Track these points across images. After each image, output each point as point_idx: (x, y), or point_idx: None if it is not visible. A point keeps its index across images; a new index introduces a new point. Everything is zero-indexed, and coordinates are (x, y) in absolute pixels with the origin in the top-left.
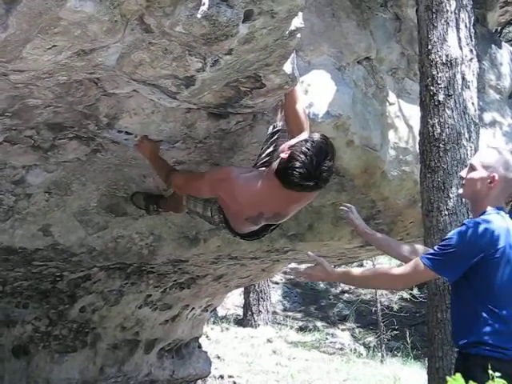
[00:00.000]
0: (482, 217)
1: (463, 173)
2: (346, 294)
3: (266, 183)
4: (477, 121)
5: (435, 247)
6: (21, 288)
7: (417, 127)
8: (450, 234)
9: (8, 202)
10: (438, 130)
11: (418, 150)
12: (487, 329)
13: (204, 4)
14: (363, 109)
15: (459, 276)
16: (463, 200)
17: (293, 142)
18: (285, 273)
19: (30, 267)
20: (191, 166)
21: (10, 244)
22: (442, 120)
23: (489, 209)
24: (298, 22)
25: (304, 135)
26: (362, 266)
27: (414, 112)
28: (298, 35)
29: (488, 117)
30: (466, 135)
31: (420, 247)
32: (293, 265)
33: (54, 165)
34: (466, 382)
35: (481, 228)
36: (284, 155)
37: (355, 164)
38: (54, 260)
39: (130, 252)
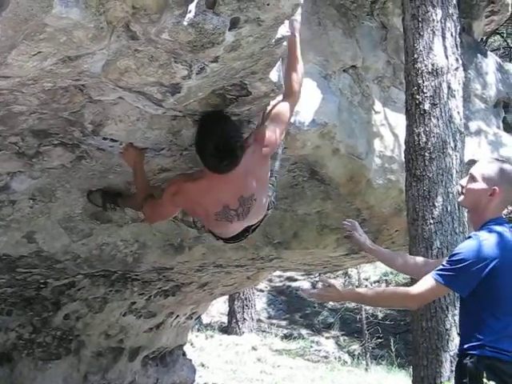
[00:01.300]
0: (486, 229)
1: (463, 181)
2: (331, 302)
3: (209, 176)
4: (462, 130)
5: (444, 262)
6: (4, 295)
7: (402, 136)
8: (458, 249)
9: None
10: (424, 139)
11: (403, 159)
12: (491, 333)
13: (190, 11)
14: (349, 117)
15: (472, 290)
16: (448, 209)
17: None
18: (270, 280)
19: (14, 274)
20: (176, 173)
21: None
22: (427, 129)
23: (490, 220)
24: (284, 30)
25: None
26: (346, 274)
27: (399, 120)
28: (285, 43)
29: (473, 126)
30: (452, 144)
31: (425, 261)
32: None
33: (38, 171)
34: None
35: (488, 241)
36: None
37: (341, 172)
38: (39, 267)
39: (115, 259)
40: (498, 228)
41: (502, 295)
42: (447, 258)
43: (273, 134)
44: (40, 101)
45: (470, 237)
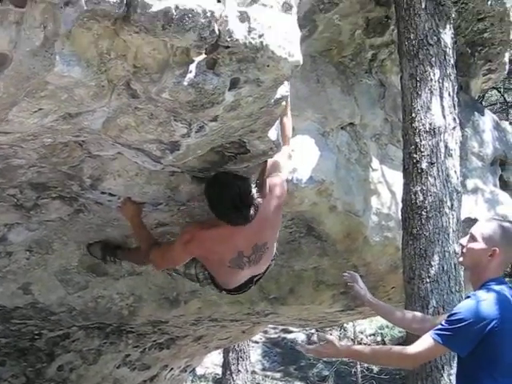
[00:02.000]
0: (485, 289)
1: (463, 241)
2: None
3: (224, 225)
4: (459, 189)
5: (443, 322)
6: None
7: (400, 193)
8: (457, 309)
9: None
10: (421, 198)
11: (400, 216)
12: None
13: (191, 72)
14: (346, 174)
15: (471, 350)
16: (444, 268)
17: None
18: (265, 332)
19: (9, 325)
20: (174, 228)
21: None
22: (424, 188)
23: (490, 280)
24: (283, 89)
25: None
26: (342, 327)
27: (397, 178)
28: (283, 103)
29: (470, 184)
30: (449, 203)
31: (423, 316)
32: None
33: (36, 224)
34: None
35: (488, 301)
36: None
37: (337, 229)
38: (34, 318)
39: (110, 312)
40: (498, 288)
41: (501, 356)
42: (446, 318)
43: (283, 183)
44: (39, 155)
45: (468, 296)
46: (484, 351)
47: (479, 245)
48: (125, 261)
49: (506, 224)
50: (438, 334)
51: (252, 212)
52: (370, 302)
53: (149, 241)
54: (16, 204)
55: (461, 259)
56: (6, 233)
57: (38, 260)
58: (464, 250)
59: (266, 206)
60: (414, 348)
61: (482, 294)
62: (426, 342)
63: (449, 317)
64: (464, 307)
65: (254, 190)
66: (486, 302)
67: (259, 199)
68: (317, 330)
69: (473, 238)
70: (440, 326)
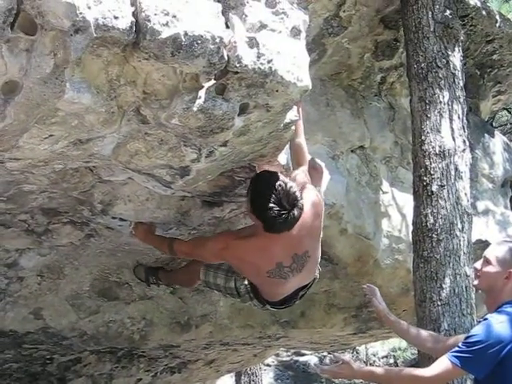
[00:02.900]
0: (502, 311)
1: (478, 264)
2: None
3: (261, 235)
4: (470, 211)
5: (460, 344)
6: (10, 370)
7: (410, 215)
8: (475, 331)
9: (0, 285)
10: (431, 221)
11: (411, 239)
12: None
13: (200, 97)
14: (357, 197)
15: (488, 373)
16: (456, 290)
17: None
18: (277, 355)
19: (20, 350)
20: None
21: (0, 327)
22: (435, 210)
23: (506, 303)
24: (292, 114)
25: (302, 169)
26: (354, 350)
27: (407, 200)
28: (293, 127)
29: (481, 205)
30: (459, 226)
31: (436, 336)
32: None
33: (47, 249)
34: None
35: (505, 323)
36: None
37: (348, 252)
38: (45, 343)
39: (121, 336)
40: None
41: None
42: (463, 340)
43: (316, 191)
44: (50, 180)
45: (486, 319)
46: (501, 374)
47: (494, 268)
48: (170, 283)
49: None
50: (455, 357)
51: (297, 213)
52: (387, 318)
53: (166, 240)
54: (27, 229)
55: (476, 283)
56: (18, 258)
57: (49, 285)
58: (479, 274)
59: (304, 214)
60: (431, 370)
61: (498, 316)
62: (443, 363)
63: (466, 339)
64: (482, 329)
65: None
66: (503, 324)
67: (302, 201)
68: (329, 353)
69: (487, 262)
70: (457, 348)
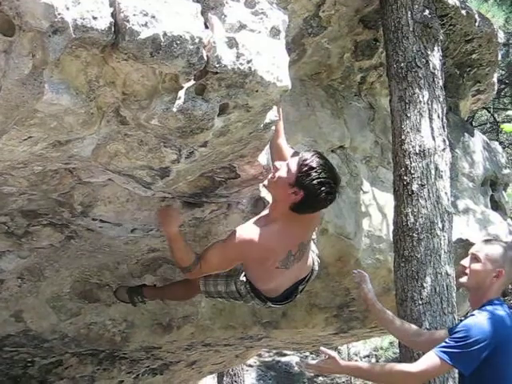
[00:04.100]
0: (488, 308)
1: (465, 262)
2: (321, 378)
3: (281, 220)
4: (450, 210)
5: (448, 340)
6: None
7: (391, 215)
8: (462, 326)
9: None
10: (412, 220)
11: (391, 239)
12: None
13: (180, 98)
14: (337, 197)
15: (474, 369)
16: (437, 289)
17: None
18: (259, 355)
19: (1, 352)
20: (165, 254)
21: None
22: (415, 210)
23: (491, 300)
24: (272, 114)
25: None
26: (336, 349)
27: (388, 200)
28: (273, 127)
29: (461, 204)
30: (440, 225)
31: (418, 330)
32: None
33: (27, 251)
34: None
35: (492, 320)
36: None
37: (329, 252)
38: (26, 346)
39: (103, 338)
40: (499, 307)
41: (503, 375)
42: (450, 336)
43: None
44: (30, 182)
45: (472, 315)
46: (487, 370)
47: (484, 266)
48: (161, 298)
49: (508, 246)
50: (444, 352)
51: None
52: (374, 306)
53: (191, 253)
54: (7, 231)
55: (464, 280)
56: None
57: (29, 287)
58: (467, 271)
59: None
60: (418, 365)
61: (485, 313)
62: (431, 359)
63: (453, 334)
64: (469, 325)
65: None
66: (490, 320)
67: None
68: (311, 353)
69: (476, 259)
70: (445, 344)
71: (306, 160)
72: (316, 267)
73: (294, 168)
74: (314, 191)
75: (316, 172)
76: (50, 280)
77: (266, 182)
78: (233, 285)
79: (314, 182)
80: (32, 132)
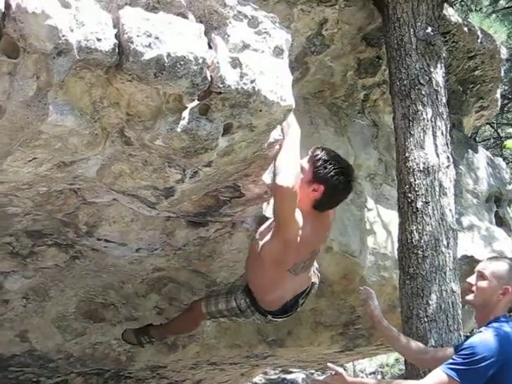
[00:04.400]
0: (494, 326)
1: (471, 279)
2: None
3: (305, 220)
4: (455, 227)
5: (455, 356)
6: None
7: (395, 232)
8: (469, 343)
9: None
10: (417, 237)
11: (396, 256)
12: None
13: (184, 118)
14: (342, 215)
15: None
16: (442, 306)
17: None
18: (265, 372)
19: (7, 373)
20: (170, 273)
21: None
22: (420, 227)
23: (497, 318)
24: (276, 133)
25: None
26: (342, 365)
27: (392, 217)
28: (277, 147)
29: (466, 221)
30: (444, 242)
31: (424, 348)
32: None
33: (32, 271)
34: None
35: (499, 337)
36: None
37: (334, 270)
38: (31, 366)
39: (108, 358)
40: (506, 325)
41: None
42: (458, 353)
43: None
44: (34, 203)
45: (480, 331)
46: None
47: (490, 283)
48: (168, 335)
49: None
50: (451, 369)
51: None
52: (380, 323)
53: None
54: (12, 252)
55: (470, 298)
56: (3, 280)
57: (34, 307)
58: (473, 289)
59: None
60: (425, 382)
61: (492, 330)
62: (438, 376)
63: (460, 351)
64: (476, 342)
65: None
66: (497, 337)
67: None
68: (316, 371)
69: (482, 277)
70: (452, 361)
71: (317, 155)
72: (316, 280)
73: (308, 166)
74: (333, 182)
75: (331, 164)
76: (55, 300)
77: None
78: (233, 301)
79: (332, 173)
80: (37, 153)
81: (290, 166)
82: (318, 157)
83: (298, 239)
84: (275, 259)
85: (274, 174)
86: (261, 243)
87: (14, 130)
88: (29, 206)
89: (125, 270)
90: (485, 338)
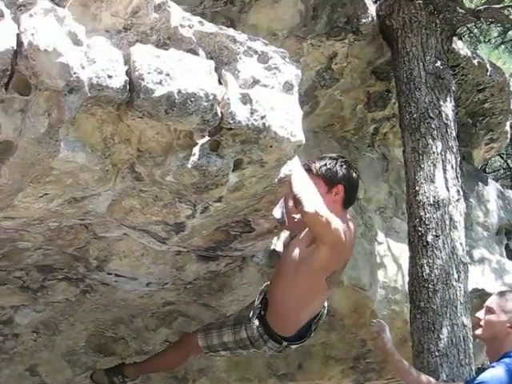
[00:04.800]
0: (507, 360)
1: (480, 314)
2: None
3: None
4: (465, 260)
5: None
6: None
7: (406, 266)
8: (481, 379)
9: None
10: (427, 271)
11: (407, 289)
12: None
13: (194, 154)
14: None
15: None
16: (453, 341)
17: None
18: None
19: None
20: (180, 306)
21: None
22: (430, 261)
23: (509, 352)
24: (287, 169)
25: None
26: None
27: (403, 250)
28: (287, 182)
29: (476, 254)
30: (455, 275)
31: (437, 382)
32: None
33: (42, 305)
34: None
35: (510, 371)
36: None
37: (345, 304)
38: None
39: None
40: None
41: None
42: None
43: None
44: (45, 238)
45: (492, 366)
46: None
47: (498, 317)
48: (150, 372)
49: None
50: None
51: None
52: (392, 356)
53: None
54: (22, 286)
55: (479, 332)
56: (13, 315)
57: (44, 341)
58: (482, 323)
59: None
60: None
61: (504, 366)
62: None
63: None
64: (488, 378)
65: None
66: (508, 372)
67: None
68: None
69: (490, 311)
70: None
71: (318, 167)
72: (326, 305)
73: (317, 180)
74: (349, 176)
75: (337, 164)
76: (65, 334)
77: None
78: (243, 331)
79: (344, 170)
80: (48, 189)
81: (307, 190)
82: (319, 167)
83: (343, 237)
84: (320, 262)
85: (297, 205)
86: (302, 248)
87: (25, 166)
88: (39, 241)
89: (135, 304)
90: (496, 374)
